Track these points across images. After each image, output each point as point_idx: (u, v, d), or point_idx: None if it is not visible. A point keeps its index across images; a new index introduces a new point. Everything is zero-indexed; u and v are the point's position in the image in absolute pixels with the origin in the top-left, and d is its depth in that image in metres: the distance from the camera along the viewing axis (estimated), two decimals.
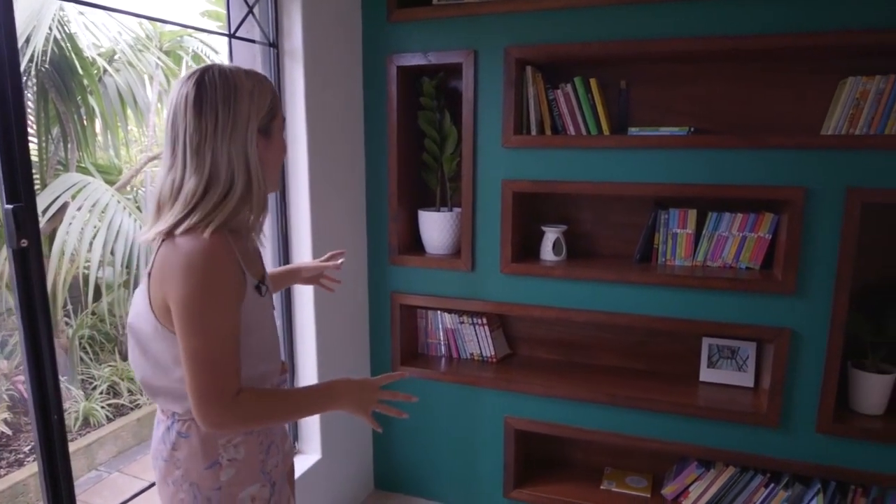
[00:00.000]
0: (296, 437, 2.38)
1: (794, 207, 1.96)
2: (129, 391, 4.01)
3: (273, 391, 1.20)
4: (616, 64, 2.27)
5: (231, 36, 2.04)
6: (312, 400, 1.22)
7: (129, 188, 4.32)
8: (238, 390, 1.08)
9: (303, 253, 2.21)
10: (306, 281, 1.68)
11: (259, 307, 1.17)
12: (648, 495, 2.39)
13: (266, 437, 1.23)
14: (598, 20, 2.09)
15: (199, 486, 1.16)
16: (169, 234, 1.08)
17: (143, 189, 4.24)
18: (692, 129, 2.11)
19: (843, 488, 2.13)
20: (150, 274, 1.12)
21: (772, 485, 2.16)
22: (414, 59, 2.33)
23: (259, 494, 1.21)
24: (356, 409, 1.22)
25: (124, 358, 4.18)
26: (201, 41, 4.28)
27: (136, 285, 3.53)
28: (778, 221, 2.09)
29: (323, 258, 1.69)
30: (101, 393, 3.85)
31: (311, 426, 2.37)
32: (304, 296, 2.27)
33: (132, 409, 3.92)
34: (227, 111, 1.07)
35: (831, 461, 2.07)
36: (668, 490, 2.34)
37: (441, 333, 2.60)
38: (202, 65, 1.12)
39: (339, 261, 1.66)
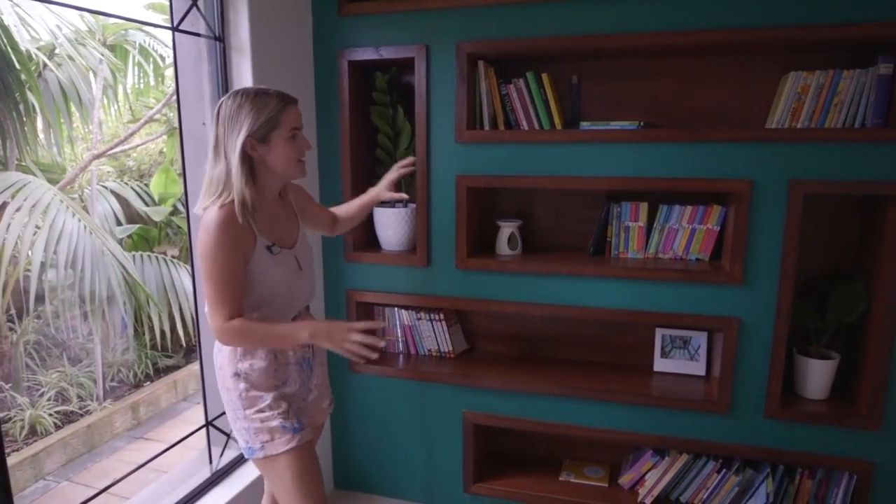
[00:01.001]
0: None
1: (741, 199, 2.01)
2: (79, 397, 3.87)
3: (260, 322, 1.53)
4: (567, 59, 2.29)
5: (174, 29, 1.98)
6: (290, 330, 1.55)
7: (75, 187, 4.17)
8: (234, 316, 1.48)
9: None
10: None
11: (270, 263, 1.56)
12: (606, 485, 2.42)
13: (284, 371, 1.63)
14: (548, 15, 2.10)
15: (229, 389, 1.60)
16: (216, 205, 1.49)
17: (90, 188, 4.10)
18: (642, 124, 2.14)
19: (791, 471, 2.20)
20: None
21: (724, 470, 2.21)
22: (366, 54, 2.30)
23: (275, 404, 1.58)
24: (330, 342, 1.53)
25: (73, 363, 4.04)
26: (148, 34, 4.14)
27: (81, 288, 3.42)
28: (725, 213, 2.14)
29: (388, 179, 2.10)
30: (48, 400, 3.71)
31: None
32: None
33: (82, 415, 3.79)
34: (232, 122, 1.49)
35: (779, 445, 2.13)
36: (625, 479, 2.38)
37: (398, 330, 2.59)
38: (238, 87, 1.56)
39: (406, 196, 2.14)
